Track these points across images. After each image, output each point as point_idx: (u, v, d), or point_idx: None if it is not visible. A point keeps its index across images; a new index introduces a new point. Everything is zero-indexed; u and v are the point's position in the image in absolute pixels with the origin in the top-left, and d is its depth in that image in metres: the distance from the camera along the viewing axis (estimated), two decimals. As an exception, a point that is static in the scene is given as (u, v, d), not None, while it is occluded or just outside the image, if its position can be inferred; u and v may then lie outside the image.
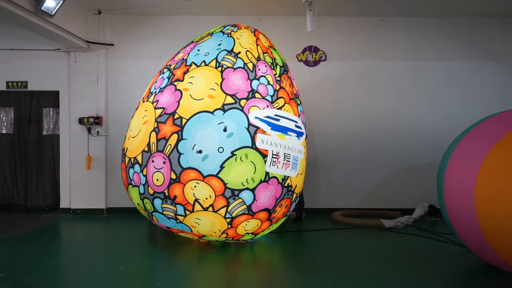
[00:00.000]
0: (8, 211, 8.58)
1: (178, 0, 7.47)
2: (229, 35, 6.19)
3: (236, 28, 6.38)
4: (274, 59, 6.28)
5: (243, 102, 5.60)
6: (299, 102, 6.34)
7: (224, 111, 5.50)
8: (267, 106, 5.74)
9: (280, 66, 6.27)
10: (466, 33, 8.50)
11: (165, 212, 5.60)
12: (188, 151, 5.33)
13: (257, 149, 5.47)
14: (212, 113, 5.47)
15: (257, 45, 6.23)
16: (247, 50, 6.06)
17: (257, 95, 5.73)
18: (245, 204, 5.45)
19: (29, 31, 7.18)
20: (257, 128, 5.54)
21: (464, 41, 8.51)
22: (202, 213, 5.41)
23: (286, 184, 5.74)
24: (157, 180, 5.45)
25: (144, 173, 5.57)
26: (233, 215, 5.46)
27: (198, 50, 6.07)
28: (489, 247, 4.72)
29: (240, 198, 5.40)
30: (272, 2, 7.72)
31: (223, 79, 5.70)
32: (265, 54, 6.21)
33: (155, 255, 6.15)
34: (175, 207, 5.47)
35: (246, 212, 5.50)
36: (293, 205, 6.14)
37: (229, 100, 5.56)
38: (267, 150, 5.53)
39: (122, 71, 8.47)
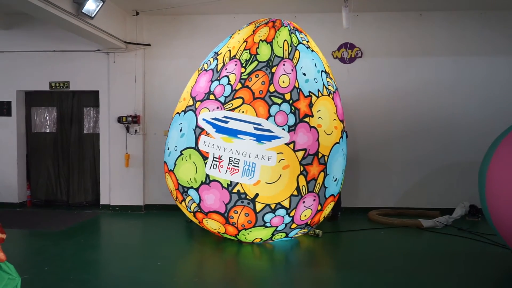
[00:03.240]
0: (52, 207, 8.91)
1: (213, 0, 7.53)
2: (311, 49, 6.19)
3: (301, 33, 6.26)
4: (256, 54, 5.87)
5: (198, 104, 5.96)
6: (279, 102, 5.60)
7: (185, 113, 6.07)
8: (217, 108, 5.73)
9: (259, 62, 5.82)
10: (510, 26, 8.16)
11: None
12: (168, 146, 6.26)
13: (198, 151, 5.69)
14: (179, 114, 6.22)
15: (245, 41, 6.04)
16: (229, 49, 6.13)
17: (211, 96, 5.85)
18: (195, 202, 5.80)
19: (71, 32, 7.43)
20: (202, 129, 5.72)
21: (509, 35, 8.17)
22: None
23: (235, 191, 5.54)
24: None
25: None
26: (192, 209, 5.97)
27: (305, 75, 5.93)
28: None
29: (189, 195, 5.84)
30: (307, -1, 7.69)
31: (195, 83, 6.21)
32: (245, 51, 5.94)
33: (192, 251, 6.25)
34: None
35: (198, 210, 5.85)
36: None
37: (191, 102, 6.10)
38: (208, 153, 5.62)
39: (159, 70, 8.62)
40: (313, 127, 5.66)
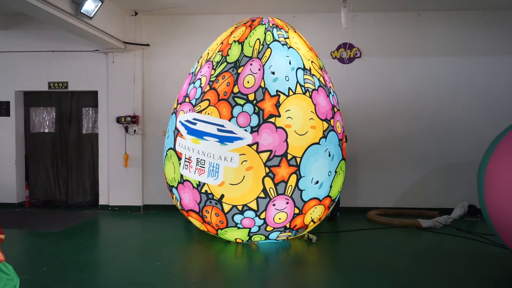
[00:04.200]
0: (50, 207, 8.90)
1: (212, 0, 7.53)
2: (288, 46, 6.05)
3: (282, 30, 6.08)
4: (226, 56, 5.92)
5: (178, 106, 6.22)
6: (242, 103, 5.55)
7: (171, 115, 6.37)
8: (189, 110, 5.88)
9: (228, 63, 5.84)
10: (509, 26, 8.17)
11: None
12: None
13: (175, 151, 5.99)
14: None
15: (221, 43, 6.12)
16: (207, 52, 6.27)
17: (187, 99, 6.05)
18: (178, 200, 6.17)
19: (69, 33, 7.43)
20: (178, 131, 5.95)
21: (508, 35, 8.18)
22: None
23: (203, 191, 5.65)
24: None
25: None
26: (179, 207, 6.33)
27: (273, 73, 5.81)
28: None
29: (173, 193, 6.20)
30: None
31: (183, 86, 6.46)
32: (219, 52, 6.01)
33: (191, 251, 6.24)
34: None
35: (182, 208, 6.19)
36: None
37: (175, 105, 6.40)
38: (181, 153, 5.85)
39: (158, 70, 8.62)
40: (281, 127, 5.51)
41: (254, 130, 5.46)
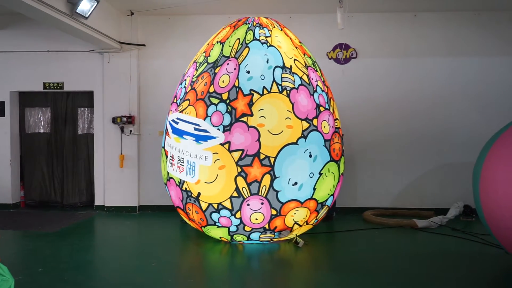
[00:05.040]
0: (46, 208, 8.87)
1: (207, 0, 7.52)
2: (269, 44, 5.97)
3: (265, 29, 6.06)
4: (208, 56, 5.99)
5: (169, 107, 6.38)
6: (216, 102, 5.61)
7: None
8: (175, 110, 6.07)
9: (208, 64, 5.92)
10: (504, 27, 8.21)
11: None
12: None
13: (165, 150, 6.24)
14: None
15: (208, 44, 6.30)
16: (198, 53, 6.44)
17: (175, 99, 6.21)
18: (170, 196, 6.32)
19: (65, 33, 7.41)
20: (167, 130, 6.19)
21: (503, 36, 8.22)
22: None
23: (184, 188, 5.79)
24: None
25: None
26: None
27: (248, 72, 5.85)
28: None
29: (167, 191, 6.36)
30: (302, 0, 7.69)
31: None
32: (203, 53, 6.17)
33: (187, 252, 6.23)
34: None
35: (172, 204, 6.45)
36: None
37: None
38: (168, 151, 6.10)
39: (154, 71, 8.60)
40: (253, 126, 5.50)
41: (226, 129, 5.49)
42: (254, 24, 6.02)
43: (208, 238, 6.34)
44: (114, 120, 8.38)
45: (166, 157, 6.09)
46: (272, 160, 5.44)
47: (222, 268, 5.42)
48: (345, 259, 5.62)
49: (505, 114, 7.85)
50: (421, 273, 4.99)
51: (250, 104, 5.51)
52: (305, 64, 6.05)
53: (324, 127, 5.85)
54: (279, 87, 5.64)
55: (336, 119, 6.31)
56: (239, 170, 5.43)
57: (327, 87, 6.37)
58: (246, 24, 6.04)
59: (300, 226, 5.95)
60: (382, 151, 8.33)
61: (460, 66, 8.27)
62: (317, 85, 6.02)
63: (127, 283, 4.66)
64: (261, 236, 5.86)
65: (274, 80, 5.65)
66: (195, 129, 5.64)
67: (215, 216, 5.68)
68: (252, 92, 5.56)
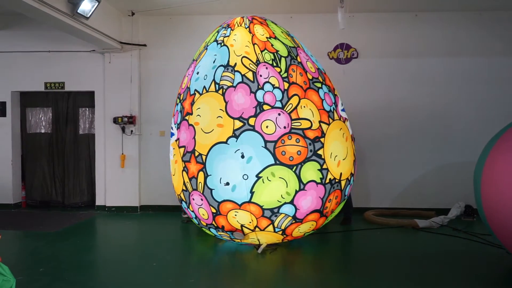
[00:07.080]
0: (47, 208, 8.88)
1: (209, 0, 7.53)
2: (223, 44, 5.78)
3: (229, 29, 5.87)
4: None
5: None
6: (178, 102, 6.13)
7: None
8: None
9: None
10: (505, 27, 8.21)
11: None
12: None
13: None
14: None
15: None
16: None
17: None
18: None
19: (66, 33, 7.41)
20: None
21: (504, 36, 8.21)
22: None
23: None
24: None
25: None
26: None
27: (198, 73, 5.85)
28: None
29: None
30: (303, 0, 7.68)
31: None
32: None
33: (188, 252, 6.23)
34: None
35: None
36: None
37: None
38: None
39: (155, 71, 8.61)
40: (191, 125, 5.68)
41: (178, 127, 5.96)
42: (224, 26, 6.04)
43: (208, 238, 6.34)
44: (115, 120, 8.38)
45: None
46: (203, 157, 5.50)
47: (223, 268, 5.42)
48: (345, 259, 5.61)
49: (506, 113, 7.84)
50: (422, 273, 4.98)
51: (192, 103, 5.76)
52: (257, 60, 5.58)
53: (267, 127, 5.32)
54: (217, 86, 5.55)
55: (305, 119, 5.47)
56: (183, 165, 5.76)
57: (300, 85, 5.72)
58: (222, 26, 6.11)
59: (253, 230, 5.56)
60: (383, 151, 8.33)
61: (461, 66, 8.27)
62: (266, 82, 5.47)
63: (128, 283, 4.66)
64: (219, 233, 5.90)
65: (213, 79, 5.61)
66: (172, 127, 6.29)
67: (184, 205, 6.15)
68: (195, 92, 5.77)
